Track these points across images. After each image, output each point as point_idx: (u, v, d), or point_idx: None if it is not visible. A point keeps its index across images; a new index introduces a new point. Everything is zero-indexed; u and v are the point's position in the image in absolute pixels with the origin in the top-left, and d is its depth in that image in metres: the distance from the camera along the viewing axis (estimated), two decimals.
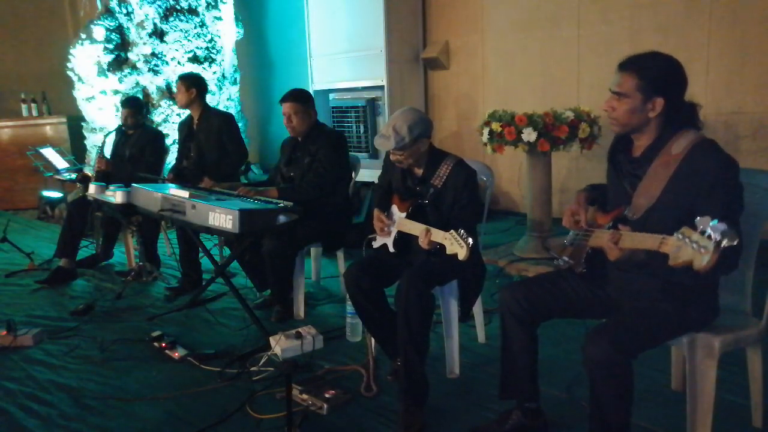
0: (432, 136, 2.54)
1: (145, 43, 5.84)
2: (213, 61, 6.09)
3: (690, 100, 1.85)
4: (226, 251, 4.26)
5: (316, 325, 3.12)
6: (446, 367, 2.63)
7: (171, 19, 5.84)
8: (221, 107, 6.05)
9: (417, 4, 5.68)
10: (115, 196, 3.64)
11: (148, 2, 5.78)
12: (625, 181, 1.92)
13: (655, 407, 2.29)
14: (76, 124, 6.56)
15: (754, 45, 4.00)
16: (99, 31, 5.88)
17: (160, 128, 5.66)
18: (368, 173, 4.81)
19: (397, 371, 2.52)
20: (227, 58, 6.33)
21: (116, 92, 5.92)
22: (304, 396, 2.42)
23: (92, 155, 6.00)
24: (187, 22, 5.89)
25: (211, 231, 2.92)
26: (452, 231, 2.14)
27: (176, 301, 3.75)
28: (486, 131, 3.88)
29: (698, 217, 1.43)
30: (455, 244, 2.11)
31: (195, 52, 5.97)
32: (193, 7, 5.95)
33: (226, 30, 6.28)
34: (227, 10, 6.26)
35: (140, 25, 5.84)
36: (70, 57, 6.05)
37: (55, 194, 6.43)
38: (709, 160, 1.73)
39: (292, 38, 6.55)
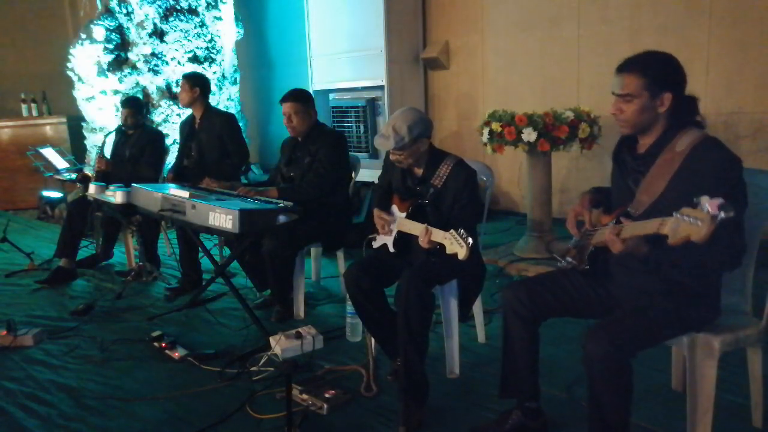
0: (432, 136, 2.54)
1: (145, 43, 5.84)
2: (213, 61, 6.09)
3: (689, 93, 1.87)
4: (226, 251, 4.26)
5: (316, 325, 3.12)
6: (446, 367, 2.63)
7: (171, 19, 5.84)
8: (221, 107, 6.04)
9: (417, 4, 5.68)
10: (115, 196, 3.64)
11: (148, 2, 5.78)
12: (629, 179, 1.93)
13: (655, 407, 2.28)
14: (76, 124, 6.56)
15: (754, 45, 4.00)
16: (99, 31, 5.88)
17: (160, 128, 5.66)
18: (368, 173, 4.81)
19: (397, 371, 2.52)
20: (227, 58, 6.33)
21: (116, 92, 5.92)
22: (304, 396, 2.42)
23: (92, 155, 6.00)
24: (187, 22, 5.89)
25: (211, 231, 2.92)
26: (452, 231, 2.14)
27: (176, 301, 3.75)
28: (486, 131, 3.88)
29: (696, 198, 1.45)
30: (455, 244, 2.11)
31: (195, 52, 5.97)
32: (193, 7, 5.95)
33: (226, 30, 6.28)
34: (227, 10, 6.26)
35: (140, 25, 5.84)
36: (70, 57, 6.05)
37: (55, 194, 6.43)
38: (713, 158, 1.74)
39: (292, 38, 6.55)
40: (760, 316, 2.00)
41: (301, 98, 3.38)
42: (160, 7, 5.81)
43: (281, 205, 2.94)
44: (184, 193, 3.05)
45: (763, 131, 4.06)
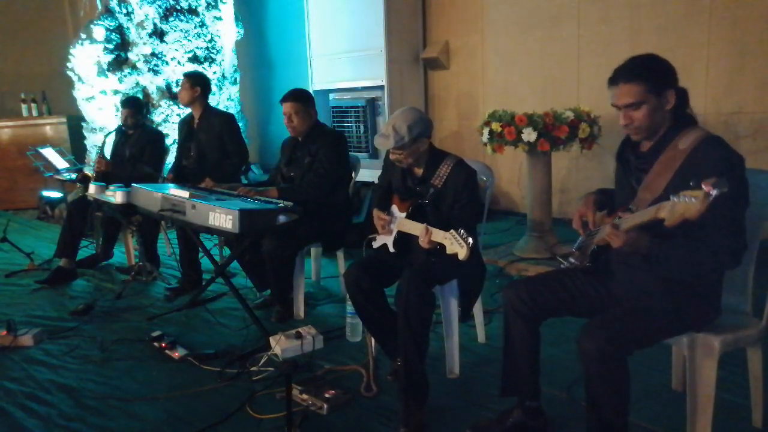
0: (432, 135, 2.54)
1: (145, 43, 5.85)
2: (213, 61, 6.09)
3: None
4: (226, 251, 4.26)
5: (316, 325, 3.12)
6: (446, 367, 2.63)
7: (171, 19, 5.85)
8: (221, 107, 6.04)
9: (417, 4, 5.68)
10: (115, 196, 3.64)
11: (148, 2, 5.78)
12: (632, 178, 1.93)
13: (655, 407, 2.28)
14: (76, 124, 6.56)
15: (754, 45, 4.00)
16: (99, 31, 5.88)
17: (160, 128, 5.66)
18: (368, 173, 4.81)
19: (397, 371, 2.52)
20: (227, 58, 6.33)
21: (116, 92, 5.92)
22: (304, 396, 2.42)
23: (92, 155, 6.00)
24: (187, 22, 5.89)
25: (211, 231, 2.92)
26: (452, 231, 2.14)
27: (176, 301, 3.75)
28: (486, 131, 3.88)
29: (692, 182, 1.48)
30: (455, 244, 2.11)
31: (195, 52, 5.97)
32: (193, 7, 5.95)
33: (226, 30, 6.28)
34: (227, 10, 6.26)
35: (140, 25, 5.84)
36: (70, 57, 6.05)
37: (55, 194, 6.43)
38: (716, 155, 1.74)
39: (292, 38, 6.55)
40: (760, 316, 2.00)
41: (301, 98, 3.38)
42: (160, 7, 5.81)
43: (281, 205, 2.94)
44: (184, 193, 3.05)
45: (763, 131, 4.06)
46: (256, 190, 3.29)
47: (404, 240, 2.51)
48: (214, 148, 4.03)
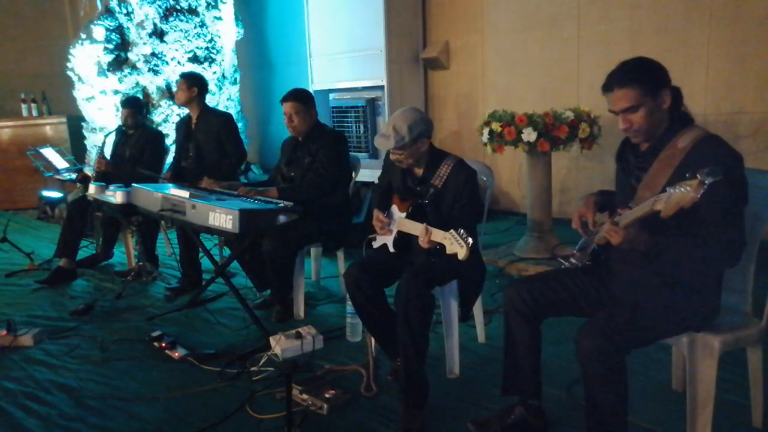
0: (432, 136, 2.54)
1: (145, 43, 5.85)
2: (213, 61, 6.10)
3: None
4: (226, 251, 4.26)
5: (316, 325, 3.12)
6: (446, 367, 2.63)
7: (171, 19, 5.85)
8: (221, 107, 6.05)
9: (417, 4, 5.68)
10: (115, 196, 3.64)
11: (148, 2, 5.78)
12: (632, 178, 1.93)
13: (655, 407, 2.28)
14: (76, 124, 6.56)
15: (754, 45, 4.00)
16: (99, 31, 5.88)
17: (160, 128, 5.66)
18: (368, 173, 4.81)
19: (397, 371, 2.52)
20: (227, 58, 6.33)
21: (116, 92, 5.92)
22: (304, 396, 2.42)
23: (92, 155, 6.00)
24: (187, 22, 5.89)
25: (211, 231, 2.92)
26: (452, 231, 2.14)
27: (176, 301, 3.75)
28: (486, 131, 3.88)
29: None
30: (455, 244, 2.11)
31: (195, 52, 5.97)
32: (193, 7, 5.95)
33: (226, 30, 6.28)
34: (227, 10, 6.26)
35: (140, 25, 5.84)
36: (70, 57, 6.05)
37: (55, 194, 6.43)
38: (715, 154, 1.75)
39: (292, 38, 6.55)
40: (760, 316, 2.00)
41: (301, 98, 3.38)
42: (160, 7, 5.82)
43: (281, 205, 2.94)
44: (184, 193, 3.05)
45: (763, 131, 4.06)
46: (256, 190, 3.28)
47: (404, 240, 2.51)
48: (213, 148, 4.03)
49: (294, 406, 2.22)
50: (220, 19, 6.16)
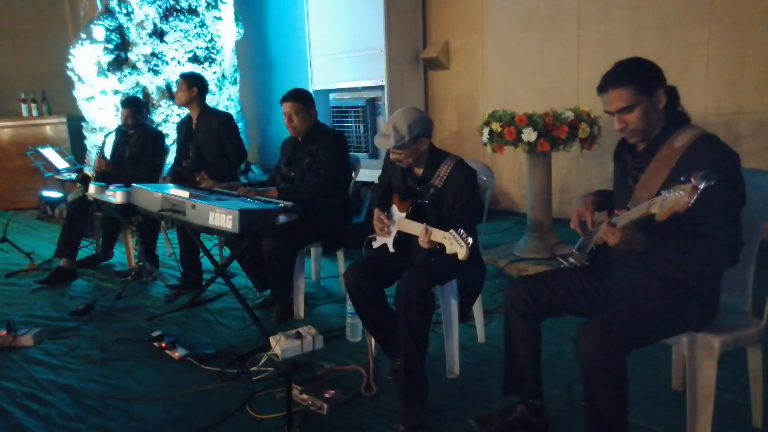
0: (432, 135, 2.54)
1: (145, 43, 5.85)
2: (213, 61, 6.10)
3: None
4: (226, 251, 4.26)
5: (316, 325, 3.12)
6: (446, 367, 2.63)
7: (171, 19, 5.85)
8: (221, 107, 6.05)
9: (417, 4, 5.68)
10: (115, 196, 3.64)
11: (148, 2, 5.78)
12: (629, 178, 1.93)
13: (655, 407, 2.28)
14: (76, 124, 6.56)
15: (754, 45, 4.00)
16: (99, 31, 5.88)
17: (160, 128, 5.66)
18: (368, 173, 4.81)
19: (397, 371, 2.52)
20: (227, 58, 6.33)
21: (116, 92, 5.92)
22: (304, 396, 2.42)
23: (92, 155, 6.00)
24: (187, 22, 5.89)
25: (211, 231, 2.92)
26: (452, 231, 2.14)
27: (176, 301, 3.75)
28: (486, 131, 3.88)
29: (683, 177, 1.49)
30: (455, 244, 2.12)
31: (195, 52, 5.97)
32: (193, 7, 5.95)
33: (226, 30, 6.28)
34: (227, 10, 6.26)
35: (140, 25, 5.84)
36: (70, 57, 6.05)
37: (55, 194, 6.43)
38: (711, 154, 1.74)
39: (292, 38, 6.55)
40: (760, 316, 2.00)
41: (301, 98, 3.38)
42: (160, 7, 5.82)
43: (281, 205, 2.94)
44: (184, 193, 3.05)
45: (763, 131, 4.06)
46: (256, 190, 3.28)
47: (404, 240, 2.51)
48: (213, 148, 4.03)
49: (294, 406, 2.22)
50: (220, 19, 6.17)
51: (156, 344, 3.03)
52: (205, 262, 3.72)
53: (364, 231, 2.76)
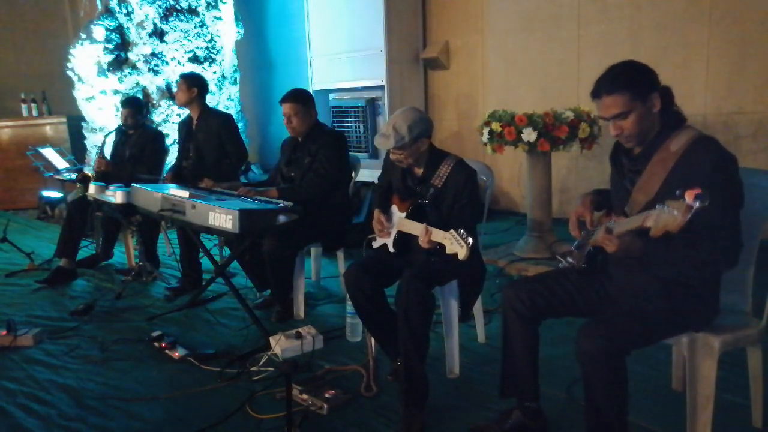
0: (432, 135, 2.54)
1: (145, 43, 5.85)
2: (213, 61, 6.10)
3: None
4: (226, 251, 4.26)
5: (316, 325, 3.12)
6: (446, 367, 2.63)
7: (171, 19, 5.85)
8: (221, 107, 6.05)
9: (417, 4, 5.68)
10: (115, 196, 3.64)
11: (148, 2, 5.78)
12: (626, 180, 1.93)
13: (655, 407, 2.29)
14: (76, 124, 6.56)
15: (754, 45, 4.00)
16: (99, 31, 5.88)
17: (160, 128, 5.66)
18: (368, 173, 4.81)
19: (397, 371, 2.52)
20: (227, 58, 6.33)
21: (116, 92, 5.92)
22: (304, 396, 2.42)
23: (92, 155, 6.00)
24: (187, 22, 5.89)
25: (211, 231, 2.92)
26: (452, 231, 2.14)
27: (176, 301, 3.75)
28: (486, 131, 3.88)
29: (678, 191, 1.48)
30: (455, 244, 2.12)
31: (195, 52, 5.97)
32: (193, 7, 5.95)
33: (226, 30, 6.28)
34: (227, 10, 6.26)
35: (140, 25, 5.84)
36: (70, 57, 6.05)
37: (55, 194, 6.43)
38: (708, 156, 1.74)
39: (292, 38, 6.56)
40: (760, 316, 2.00)
41: (301, 98, 3.38)
42: (160, 7, 5.82)
43: (281, 205, 2.95)
44: (184, 193, 3.05)
45: (763, 131, 4.06)
46: (256, 191, 3.29)
47: (404, 240, 2.51)
48: (213, 149, 4.03)
49: (294, 406, 2.22)
50: (220, 19, 6.17)
51: (156, 344, 3.03)
52: (205, 262, 3.72)
53: (364, 231, 2.76)
